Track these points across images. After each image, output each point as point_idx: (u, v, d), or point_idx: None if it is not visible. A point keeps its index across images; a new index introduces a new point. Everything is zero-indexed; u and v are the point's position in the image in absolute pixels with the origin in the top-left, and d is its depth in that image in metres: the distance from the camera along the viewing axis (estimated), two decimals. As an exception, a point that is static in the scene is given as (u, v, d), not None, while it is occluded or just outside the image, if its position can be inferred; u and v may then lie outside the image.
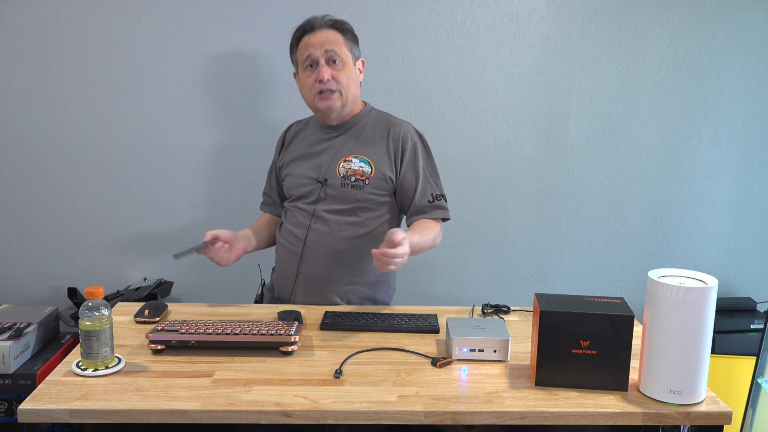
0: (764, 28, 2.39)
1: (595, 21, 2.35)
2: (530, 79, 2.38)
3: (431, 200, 1.85)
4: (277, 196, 2.01)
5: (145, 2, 2.25)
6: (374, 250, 1.55)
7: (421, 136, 1.90)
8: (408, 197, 1.86)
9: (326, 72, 1.78)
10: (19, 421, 1.21)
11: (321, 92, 1.80)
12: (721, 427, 1.26)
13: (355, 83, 1.86)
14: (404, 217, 1.94)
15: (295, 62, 1.90)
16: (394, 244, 1.54)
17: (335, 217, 1.82)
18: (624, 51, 2.38)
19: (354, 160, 1.83)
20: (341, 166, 1.83)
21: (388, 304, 1.94)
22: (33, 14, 2.23)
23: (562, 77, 2.38)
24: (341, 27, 1.84)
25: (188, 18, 2.27)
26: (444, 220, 1.89)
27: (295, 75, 1.92)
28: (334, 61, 1.80)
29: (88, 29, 2.25)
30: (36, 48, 2.25)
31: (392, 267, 1.57)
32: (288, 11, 2.24)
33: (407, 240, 1.59)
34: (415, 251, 1.73)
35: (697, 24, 2.37)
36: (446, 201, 1.88)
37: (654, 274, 1.28)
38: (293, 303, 1.87)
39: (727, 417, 1.24)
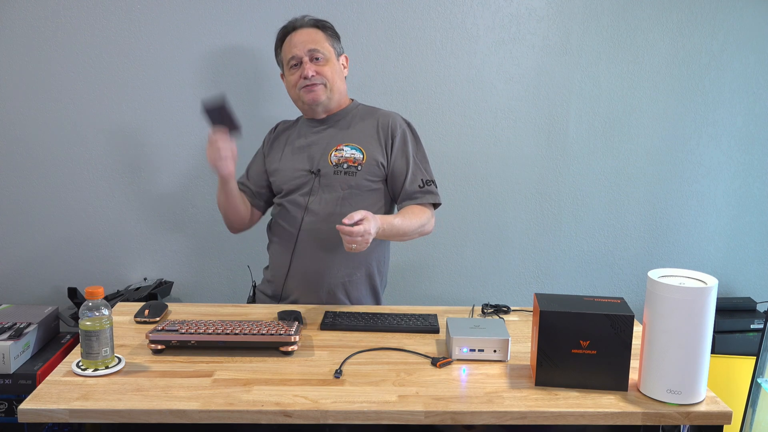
0: (764, 28, 2.39)
1: (595, 21, 2.35)
2: (530, 79, 2.38)
3: (421, 185, 1.87)
4: (251, 184, 1.97)
5: (144, 2, 2.25)
6: (338, 225, 1.58)
7: (409, 124, 1.93)
8: (398, 184, 1.88)
9: (310, 68, 1.82)
10: (19, 421, 1.21)
11: (305, 86, 1.83)
12: (721, 427, 1.26)
13: (340, 77, 1.89)
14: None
15: (280, 63, 1.94)
16: (353, 222, 1.57)
17: (329, 208, 1.83)
18: (624, 51, 2.38)
19: (345, 148, 1.85)
20: (333, 155, 1.85)
21: (383, 287, 1.97)
22: (33, 14, 2.23)
23: (562, 77, 2.38)
24: (322, 25, 1.89)
25: (187, 18, 2.27)
26: (435, 205, 1.91)
27: (282, 76, 1.95)
28: (317, 59, 1.84)
29: (88, 29, 2.25)
30: (36, 48, 2.25)
31: (354, 246, 1.60)
32: (286, 10, 2.23)
33: (371, 222, 1.61)
34: (396, 235, 1.77)
35: (697, 24, 2.37)
36: (436, 186, 1.90)
37: (654, 274, 1.28)
38: (287, 298, 1.88)
39: (727, 417, 1.24)
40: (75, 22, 2.24)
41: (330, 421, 1.22)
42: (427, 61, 2.35)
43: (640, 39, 2.37)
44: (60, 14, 2.24)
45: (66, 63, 2.27)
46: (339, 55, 1.91)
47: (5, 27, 2.24)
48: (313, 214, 1.83)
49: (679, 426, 1.25)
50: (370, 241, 1.64)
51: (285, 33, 1.89)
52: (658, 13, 2.36)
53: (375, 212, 1.84)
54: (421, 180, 1.88)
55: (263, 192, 1.97)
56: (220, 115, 1.71)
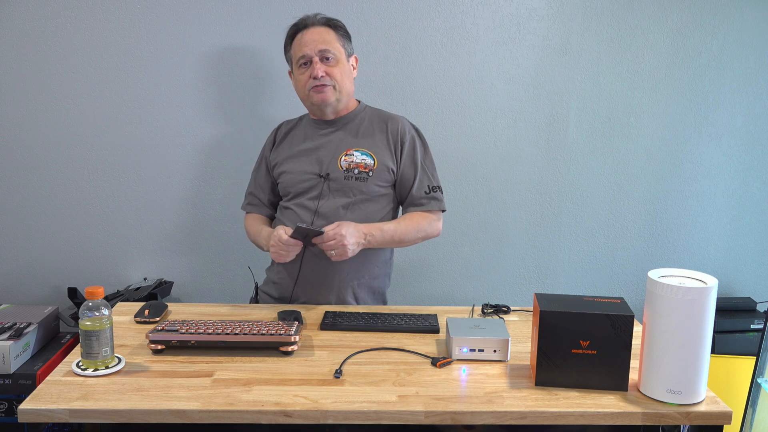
0: (764, 28, 2.39)
1: (595, 21, 2.35)
2: (530, 79, 2.38)
3: (427, 192, 1.89)
4: (265, 196, 2.00)
5: (144, 2, 2.25)
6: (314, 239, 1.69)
7: (417, 130, 1.94)
8: (405, 189, 1.89)
9: (320, 68, 1.81)
10: (19, 421, 1.21)
11: (315, 87, 1.82)
12: (721, 427, 1.26)
13: (349, 78, 1.89)
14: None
15: (289, 60, 1.93)
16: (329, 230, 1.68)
17: (339, 212, 1.83)
18: (624, 51, 2.38)
19: (355, 153, 1.85)
20: (343, 159, 1.85)
21: (387, 288, 1.99)
22: (33, 14, 2.23)
23: (562, 77, 2.38)
24: (333, 24, 1.88)
25: (187, 18, 2.27)
26: (442, 211, 1.93)
27: (290, 73, 1.94)
28: (327, 59, 1.83)
29: (88, 29, 2.25)
30: (36, 48, 2.25)
31: (332, 252, 1.69)
32: (286, 9, 2.24)
33: (344, 227, 1.69)
34: (392, 241, 1.83)
35: (697, 24, 2.37)
36: (442, 193, 1.92)
37: (654, 274, 1.28)
38: (296, 301, 1.88)
39: (727, 417, 1.24)
40: (75, 22, 2.24)
41: (330, 421, 1.22)
42: (427, 61, 2.35)
43: (640, 39, 2.37)
44: (60, 14, 2.24)
45: (66, 63, 2.27)
46: (349, 55, 1.90)
47: (5, 27, 2.24)
48: (323, 218, 1.83)
49: (679, 426, 1.25)
50: (350, 243, 1.69)
51: (296, 30, 1.87)
52: (658, 13, 2.36)
53: (383, 217, 1.86)
54: (428, 186, 1.89)
55: (278, 202, 1.98)
56: (305, 238, 1.72)
